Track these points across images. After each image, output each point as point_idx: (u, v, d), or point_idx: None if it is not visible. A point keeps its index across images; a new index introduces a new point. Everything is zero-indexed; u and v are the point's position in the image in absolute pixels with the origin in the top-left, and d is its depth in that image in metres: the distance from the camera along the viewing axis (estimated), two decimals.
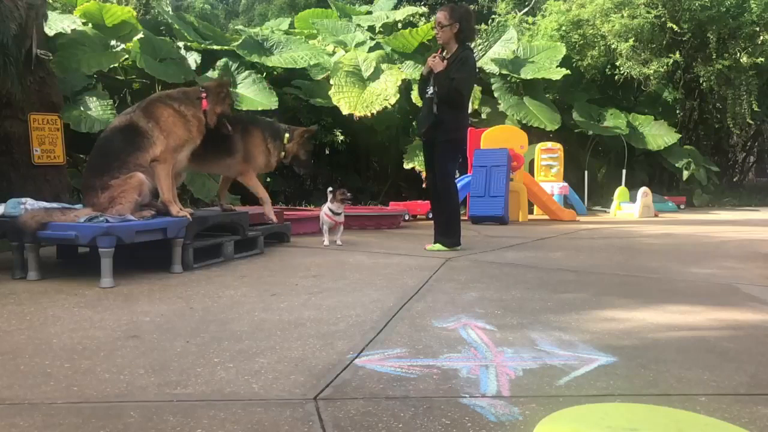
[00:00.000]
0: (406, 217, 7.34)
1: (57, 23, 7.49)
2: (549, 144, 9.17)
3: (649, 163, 12.12)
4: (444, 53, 4.59)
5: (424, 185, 8.61)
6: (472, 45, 6.92)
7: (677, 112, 12.25)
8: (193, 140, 4.00)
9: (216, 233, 4.27)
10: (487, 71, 9.72)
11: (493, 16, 12.94)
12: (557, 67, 10.13)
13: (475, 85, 8.26)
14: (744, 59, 10.54)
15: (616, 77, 10.94)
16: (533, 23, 12.14)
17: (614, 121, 10.68)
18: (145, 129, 3.77)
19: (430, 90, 4.61)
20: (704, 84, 11.08)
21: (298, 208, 7.69)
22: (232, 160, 4.56)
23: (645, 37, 10.55)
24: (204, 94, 4.02)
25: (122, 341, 2.22)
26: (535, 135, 9.40)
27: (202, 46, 8.67)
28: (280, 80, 9.18)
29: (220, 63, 8.43)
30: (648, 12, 10.39)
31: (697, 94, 12.42)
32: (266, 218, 4.80)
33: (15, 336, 2.29)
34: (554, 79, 10.00)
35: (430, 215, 7.19)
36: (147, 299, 2.93)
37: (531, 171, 9.08)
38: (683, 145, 11.56)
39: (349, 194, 5.04)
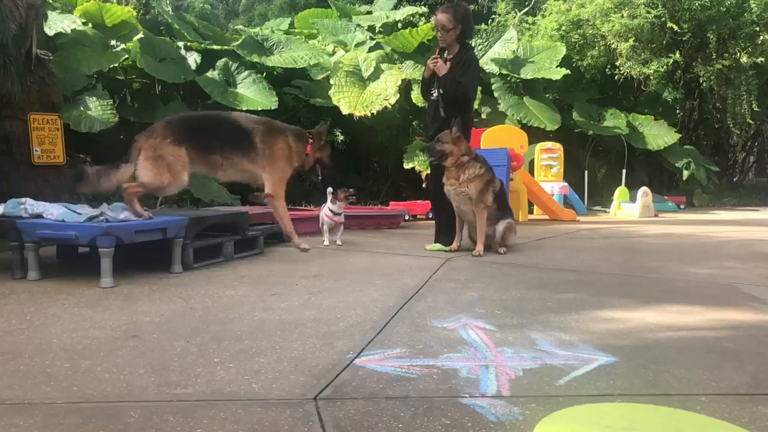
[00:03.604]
0: (406, 217, 7.34)
1: (57, 23, 7.49)
2: (549, 144, 9.16)
3: (649, 163, 12.12)
4: (445, 54, 4.58)
5: (424, 185, 8.62)
6: (472, 44, 6.90)
7: (677, 112, 12.23)
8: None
9: (216, 233, 4.27)
10: (487, 71, 9.71)
11: (493, 16, 12.94)
12: (557, 67, 10.13)
13: None
14: (744, 59, 10.53)
15: (616, 77, 10.93)
16: (533, 23, 12.13)
17: (614, 121, 10.68)
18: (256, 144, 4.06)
19: (435, 93, 4.60)
20: (704, 84, 11.08)
21: (298, 208, 7.69)
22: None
23: (645, 37, 10.55)
24: (311, 140, 4.28)
25: (122, 341, 2.22)
26: (535, 135, 9.39)
27: (202, 46, 8.67)
28: (280, 80, 9.18)
29: (220, 63, 8.44)
30: (648, 12, 10.39)
31: (697, 94, 12.41)
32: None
33: (15, 336, 2.29)
34: (554, 79, 9.99)
35: (430, 215, 7.22)
36: (147, 299, 2.93)
37: (531, 171, 9.08)
38: (683, 145, 11.56)
39: (352, 192, 5.05)
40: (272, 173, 4.07)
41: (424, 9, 11.59)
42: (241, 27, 11.92)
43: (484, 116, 9.81)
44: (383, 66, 8.95)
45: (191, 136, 3.93)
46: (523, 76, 9.92)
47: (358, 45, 9.86)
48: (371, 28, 10.63)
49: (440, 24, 4.49)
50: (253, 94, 8.26)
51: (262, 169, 4.09)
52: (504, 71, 9.83)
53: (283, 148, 4.10)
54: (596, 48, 10.85)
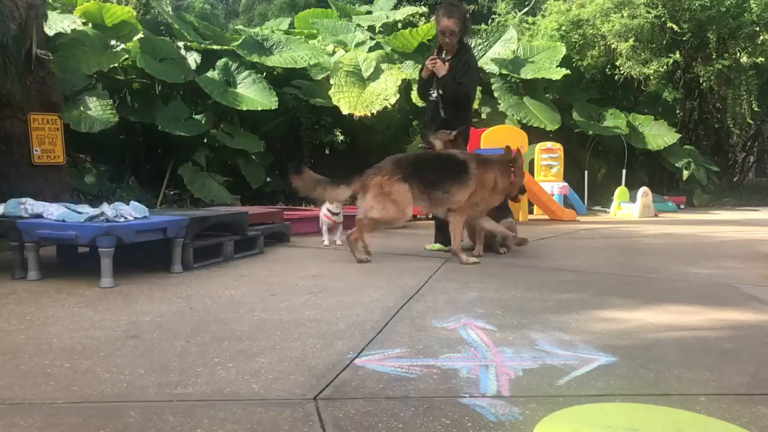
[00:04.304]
0: None
1: (57, 23, 7.49)
2: (549, 144, 9.14)
3: (649, 163, 12.10)
4: (444, 54, 4.58)
5: None
6: (471, 44, 6.91)
7: (677, 112, 12.21)
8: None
9: (216, 233, 4.27)
10: (487, 71, 9.70)
11: (493, 16, 12.93)
12: (557, 67, 10.12)
13: None
14: (744, 59, 10.51)
15: (616, 77, 10.92)
16: (533, 23, 12.12)
17: (614, 121, 10.67)
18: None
19: (434, 93, 4.59)
20: (704, 84, 11.06)
21: (298, 207, 7.69)
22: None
23: (645, 37, 10.53)
24: (513, 168, 4.32)
25: (122, 341, 2.22)
26: (535, 135, 9.38)
27: (202, 46, 8.67)
28: (280, 80, 9.17)
29: (220, 63, 8.44)
30: (648, 12, 10.37)
31: (697, 94, 12.40)
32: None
33: (15, 336, 2.29)
34: (554, 79, 9.98)
35: (431, 215, 7.21)
36: (147, 299, 2.93)
37: (531, 171, 9.07)
38: (683, 145, 11.54)
39: None
40: (472, 197, 4.19)
41: (424, 9, 11.58)
42: (241, 27, 11.92)
43: (484, 116, 9.81)
44: (383, 66, 8.95)
45: (417, 173, 4.12)
46: (523, 76, 9.91)
47: (358, 45, 9.85)
48: (371, 28, 10.62)
49: (448, 30, 4.45)
50: (253, 94, 8.27)
51: (471, 193, 4.19)
52: (504, 71, 9.82)
53: (491, 179, 4.23)
54: (596, 48, 10.84)
